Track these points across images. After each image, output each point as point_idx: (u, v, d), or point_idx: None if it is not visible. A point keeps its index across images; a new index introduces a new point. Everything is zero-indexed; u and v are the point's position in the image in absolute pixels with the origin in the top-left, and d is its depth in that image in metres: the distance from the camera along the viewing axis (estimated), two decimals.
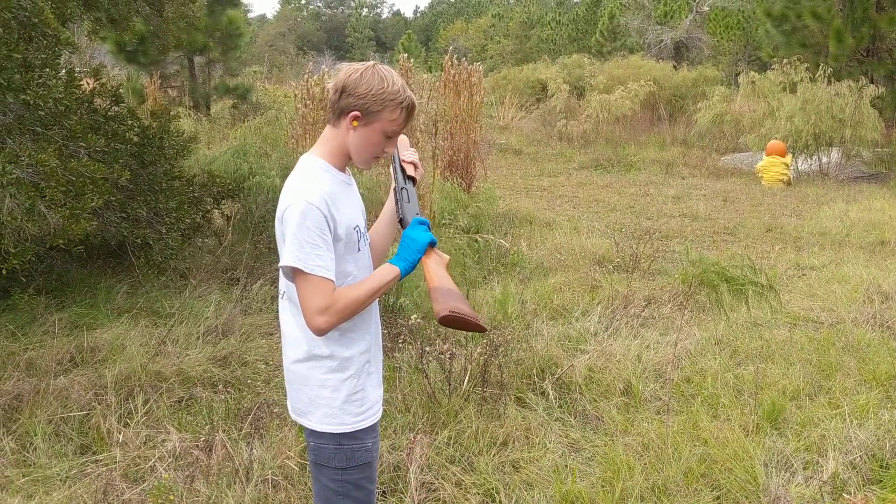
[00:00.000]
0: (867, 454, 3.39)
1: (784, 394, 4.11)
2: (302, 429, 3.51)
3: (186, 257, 6.16)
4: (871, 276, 6.35)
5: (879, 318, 5.41)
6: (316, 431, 2.11)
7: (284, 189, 2.05)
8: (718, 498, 3.19)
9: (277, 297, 2.23)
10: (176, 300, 5.43)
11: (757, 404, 3.93)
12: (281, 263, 1.99)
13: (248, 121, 15.48)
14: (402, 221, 2.18)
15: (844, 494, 3.03)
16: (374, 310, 2.20)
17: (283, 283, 2.09)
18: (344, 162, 2.12)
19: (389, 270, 2.06)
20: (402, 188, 2.21)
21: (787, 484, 3.21)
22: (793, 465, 3.39)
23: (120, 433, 3.58)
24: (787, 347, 4.86)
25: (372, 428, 2.17)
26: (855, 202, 10.44)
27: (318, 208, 1.96)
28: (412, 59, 9.60)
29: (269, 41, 47.30)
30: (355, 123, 2.03)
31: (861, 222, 9.00)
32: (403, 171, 2.23)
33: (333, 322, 1.97)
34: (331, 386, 2.08)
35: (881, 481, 3.21)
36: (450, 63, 10.08)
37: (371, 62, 2.06)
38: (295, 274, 1.96)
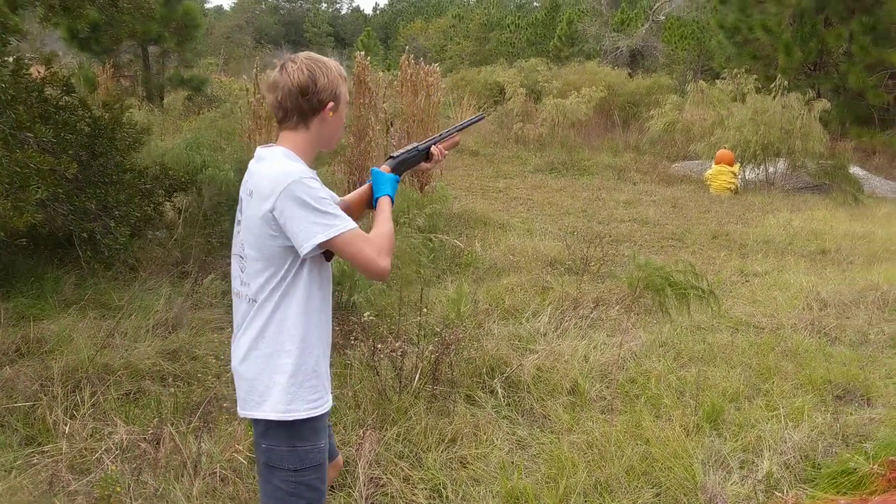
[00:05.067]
0: (800, 455, 3.52)
1: (724, 396, 4.24)
2: (251, 426, 3.53)
3: (136, 250, 6.08)
4: (811, 284, 6.57)
5: (817, 325, 5.60)
6: (269, 429, 2.13)
7: (262, 181, 2.06)
8: (658, 495, 3.29)
9: (232, 292, 2.24)
10: (125, 293, 5.37)
11: (697, 405, 4.06)
12: (305, 251, 2.01)
13: (202, 113, 15.32)
14: (397, 168, 2.41)
15: (776, 493, 3.15)
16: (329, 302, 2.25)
17: (254, 291, 2.12)
18: (312, 158, 2.19)
19: (387, 201, 2.27)
20: (427, 145, 2.49)
21: (723, 482, 3.32)
22: (729, 464, 3.51)
23: (66, 425, 3.54)
24: (729, 351, 5.01)
25: (323, 426, 2.20)
26: (799, 212, 10.74)
27: (308, 177, 2.04)
28: (369, 57, 9.61)
29: (226, 33, 46.64)
30: (331, 113, 2.14)
31: (804, 231, 9.28)
32: (432, 144, 2.51)
33: (389, 260, 2.10)
34: (288, 372, 2.12)
35: (813, 480, 3.35)
36: (407, 63, 10.13)
37: (300, 55, 2.14)
38: (330, 245, 2.03)
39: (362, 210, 2.39)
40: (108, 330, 4.59)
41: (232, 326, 2.25)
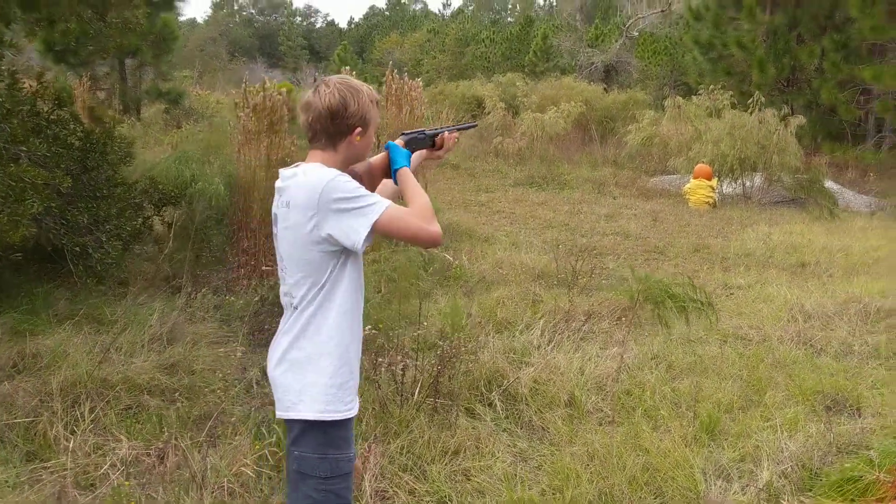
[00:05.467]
0: (798, 464, 3.60)
1: (719, 407, 4.32)
2: (258, 437, 3.55)
3: (125, 265, 6.06)
4: (795, 297, 6.69)
5: (803, 336, 5.71)
6: (304, 433, 2.18)
7: (298, 192, 2.14)
8: None
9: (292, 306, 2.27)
10: (117, 307, 5.35)
11: (695, 416, 4.13)
12: (360, 245, 2.08)
13: (184, 126, 15.25)
14: (407, 145, 2.54)
15: (782, 501, 3.22)
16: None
17: (297, 299, 2.20)
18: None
19: (408, 172, 2.35)
20: (434, 132, 2.64)
21: (725, 491, 3.39)
22: (730, 473, 3.58)
23: (69, 441, 3.53)
24: (719, 363, 5.10)
25: (352, 435, 2.26)
26: (777, 225, 10.93)
27: (338, 176, 2.12)
28: (353, 71, 9.69)
29: (200, 46, 46.51)
30: (358, 138, 2.23)
31: (783, 245, 9.45)
32: (438, 133, 2.65)
33: (436, 224, 2.17)
34: (328, 373, 2.19)
35: (811, 489, 3.42)
36: (391, 77, 10.20)
37: (333, 78, 2.23)
38: (377, 227, 2.08)
39: (382, 176, 2.47)
40: (105, 345, 4.57)
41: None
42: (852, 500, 2.87)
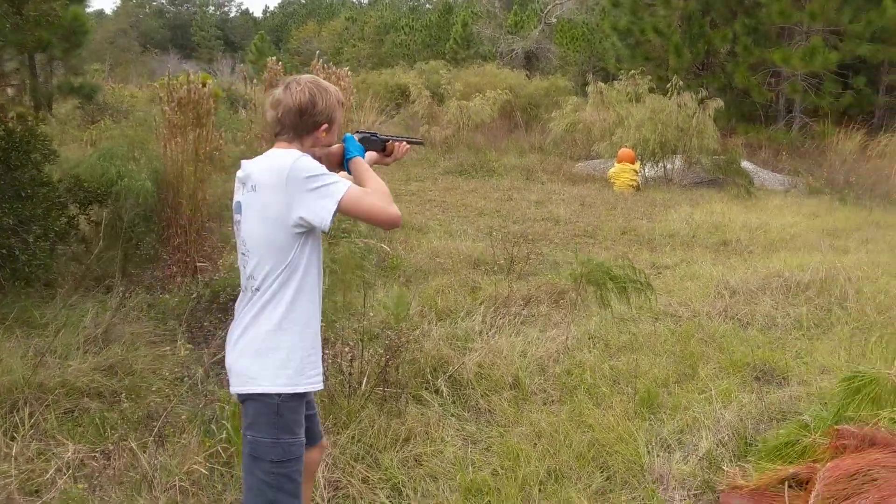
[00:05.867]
0: (734, 433, 3.78)
1: (656, 382, 4.49)
2: (208, 434, 3.52)
3: (53, 266, 5.87)
4: (720, 274, 6.97)
5: (730, 311, 5.96)
6: (259, 416, 2.27)
7: (263, 174, 2.26)
8: (609, 479, 3.47)
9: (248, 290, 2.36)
10: (48, 310, 5.18)
11: (634, 392, 4.28)
12: (326, 223, 2.19)
13: (99, 122, 14.77)
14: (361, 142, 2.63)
15: (723, 467, 3.38)
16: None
17: (259, 281, 2.29)
18: None
19: (362, 160, 2.48)
20: (385, 138, 2.75)
21: (668, 462, 3.54)
22: (671, 445, 3.73)
23: (10, 448, 3.43)
24: (653, 340, 5.28)
25: (303, 419, 2.37)
26: (698, 205, 11.31)
27: (302, 156, 2.24)
28: (280, 62, 9.60)
29: (109, 38, 44.98)
30: (324, 134, 2.35)
31: (705, 224, 9.79)
32: (389, 139, 2.76)
33: (395, 206, 2.28)
34: (286, 348, 2.29)
35: (747, 455, 3.60)
36: (318, 67, 10.10)
37: (304, 77, 2.35)
38: (341, 207, 2.18)
39: (338, 165, 2.55)
40: (39, 349, 4.44)
41: None
42: (790, 462, 3.04)
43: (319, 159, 2.38)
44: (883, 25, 15.99)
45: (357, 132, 2.66)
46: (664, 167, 14.21)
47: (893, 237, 9.03)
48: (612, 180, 13.24)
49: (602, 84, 17.21)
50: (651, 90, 15.37)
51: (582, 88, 21.25)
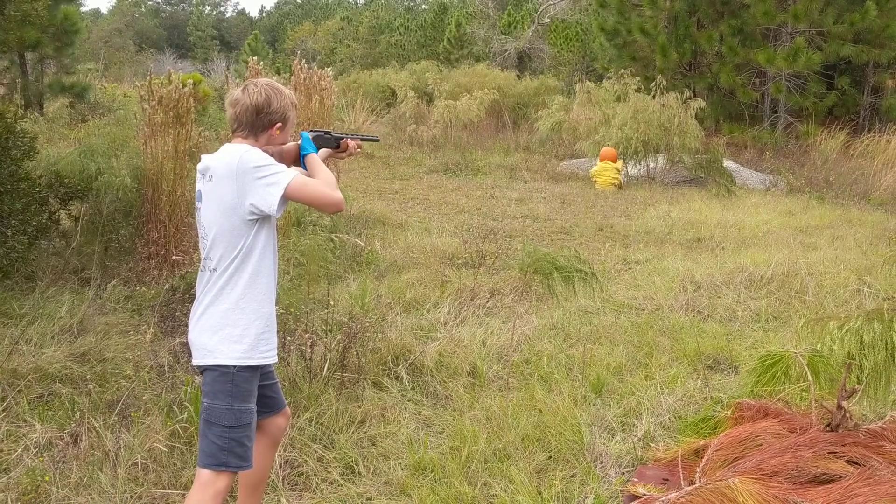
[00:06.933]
0: (674, 415, 3.96)
1: (608, 370, 4.66)
2: (170, 415, 3.69)
3: (32, 260, 6.03)
4: (687, 269, 7.14)
5: (691, 305, 6.14)
6: (216, 383, 2.50)
7: (219, 165, 2.49)
8: (550, 457, 3.64)
9: (211, 269, 2.58)
10: (25, 301, 5.35)
11: (584, 379, 4.46)
12: (277, 210, 2.43)
13: (89, 120, 14.91)
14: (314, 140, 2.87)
15: (651, 444, 3.56)
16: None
17: (215, 262, 2.53)
18: None
19: (315, 156, 2.70)
20: (339, 136, 2.98)
21: (607, 442, 3.71)
22: (613, 427, 3.91)
23: None
24: (613, 331, 5.46)
25: (254, 389, 2.60)
26: (677, 204, 11.48)
27: (252, 149, 2.48)
28: (261, 62, 9.74)
29: (105, 37, 45.12)
30: (278, 132, 2.61)
31: (681, 221, 9.97)
32: (342, 137, 2.99)
33: (339, 192, 2.53)
34: (242, 325, 2.52)
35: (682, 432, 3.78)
36: (299, 67, 10.27)
37: (261, 80, 2.62)
38: (288, 193, 2.42)
39: (292, 162, 2.76)
40: (14, 337, 4.60)
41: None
42: (705, 436, 3.22)
43: (273, 156, 2.60)
44: (866, 27, 16.18)
45: (311, 131, 2.91)
46: (647, 166, 14.39)
47: (862, 234, 9.21)
48: (594, 179, 13.41)
49: (590, 83, 17.39)
50: (638, 90, 15.54)
51: (573, 88, 21.41)
